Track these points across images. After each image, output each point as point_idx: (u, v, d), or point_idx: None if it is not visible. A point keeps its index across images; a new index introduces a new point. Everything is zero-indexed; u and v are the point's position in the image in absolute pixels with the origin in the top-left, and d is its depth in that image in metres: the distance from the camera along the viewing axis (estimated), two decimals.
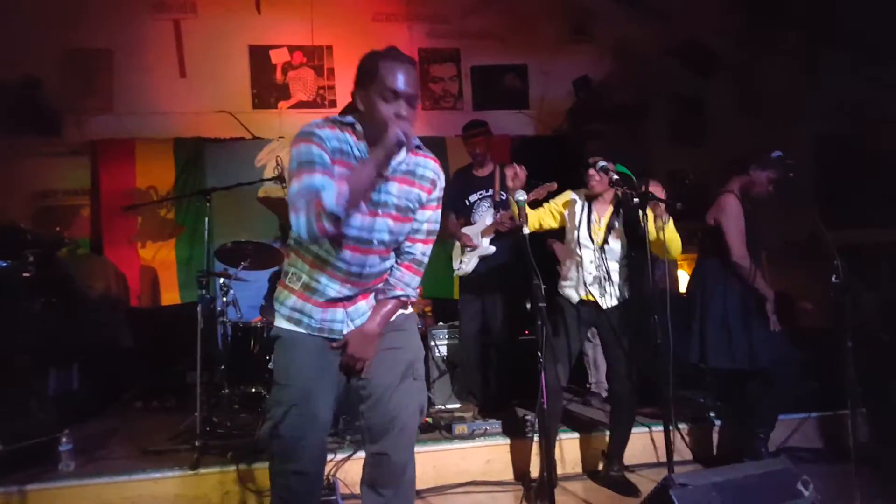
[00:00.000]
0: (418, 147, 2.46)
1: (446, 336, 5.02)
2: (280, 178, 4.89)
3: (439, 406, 4.80)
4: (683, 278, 6.75)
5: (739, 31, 6.73)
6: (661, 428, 3.38)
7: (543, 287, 2.78)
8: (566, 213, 3.77)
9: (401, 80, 2.25)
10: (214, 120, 6.39)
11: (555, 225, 3.81)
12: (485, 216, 4.69)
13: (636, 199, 3.28)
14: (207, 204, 4.31)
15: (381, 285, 2.50)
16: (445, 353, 4.97)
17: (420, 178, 2.45)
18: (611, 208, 3.68)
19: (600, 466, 3.97)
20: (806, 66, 6.87)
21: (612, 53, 7.10)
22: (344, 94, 6.85)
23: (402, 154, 2.40)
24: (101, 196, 6.36)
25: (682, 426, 4.20)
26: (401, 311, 2.56)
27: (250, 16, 6.74)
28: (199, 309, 4.12)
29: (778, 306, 3.82)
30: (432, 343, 4.96)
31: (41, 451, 3.74)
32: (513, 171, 3.36)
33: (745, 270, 3.80)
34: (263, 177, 5.74)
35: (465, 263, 4.69)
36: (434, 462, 3.83)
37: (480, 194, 4.76)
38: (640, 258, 4.80)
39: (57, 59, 6.42)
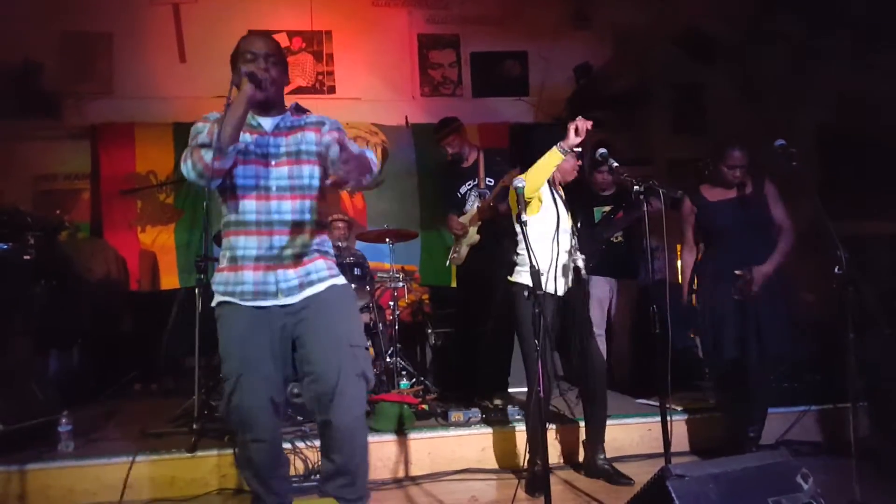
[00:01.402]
0: (301, 110, 2.77)
1: (444, 325, 5.03)
2: None
3: (435, 394, 4.81)
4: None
5: (740, 17, 6.69)
6: (658, 418, 3.37)
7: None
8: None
9: (253, 44, 2.61)
10: (213, 105, 6.22)
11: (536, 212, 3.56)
12: (473, 205, 4.70)
13: (637, 187, 3.26)
14: (206, 189, 4.30)
15: (305, 245, 2.62)
16: (442, 341, 4.98)
17: (306, 124, 2.69)
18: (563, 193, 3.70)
19: (580, 457, 3.93)
20: (807, 53, 6.83)
21: (613, 40, 7.06)
22: (343, 79, 6.84)
23: (289, 115, 2.71)
24: (100, 180, 6.38)
25: (682, 417, 4.19)
26: (333, 282, 2.66)
27: (250, 0, 6.70)
28: (197, 293, 4.13)
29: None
30: (429, 331, 4.98)
31: (41, 431, 3.77)
32: (574, 125, 3.27)
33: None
34: None
35: (458, 252, 4.72)
36: (429, 449, 3.84)
37: (469, 184, 4.78)
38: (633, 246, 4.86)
39: (57, 43, 6.42)
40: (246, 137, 2.58)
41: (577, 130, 3.27)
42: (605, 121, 6.91)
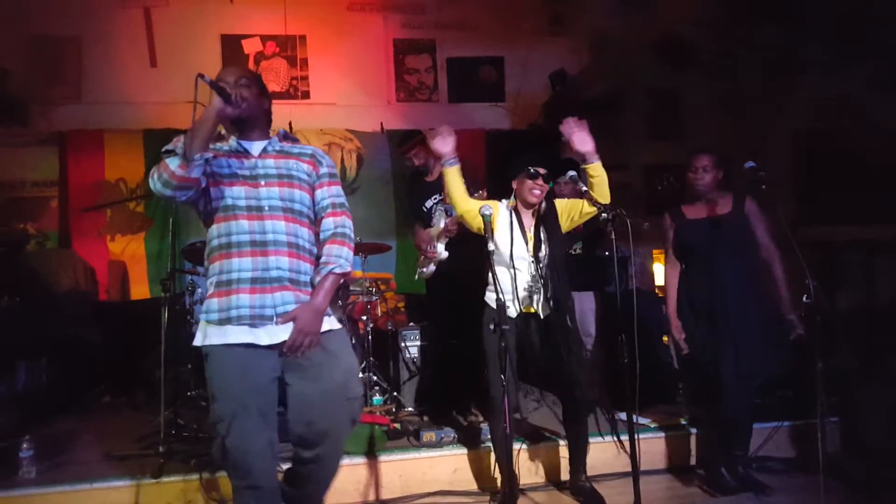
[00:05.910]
0: (288, 137, 2.79)
1: (418, 337, 4.95)
2: None
3: (409, 409, 4.75)
4: (659, 272, 6.76)
5: (718, 24, 6.67)
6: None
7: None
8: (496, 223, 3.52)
9: (224, 73, 2.60)
10: (185, 111, 6.17)
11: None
12: (440, 220, 4.63)
13: (604, 214, 3.21)
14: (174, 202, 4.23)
15: (301, 272, 2.58)
16: (417, 355, 4.91)
17: (298, 154, 2.69)
18: (534, 215, 3.57)
19: (563, 476, 3.91)
20: (783, 60, 6.84)
21: (589, 46, 7.02)
22: (317, 84, 6.77)
23: (276, 142, 2.70)
24: (69, 188, 6.25)
25: (657, 434, 4.17)
26: (329, 325, 2.61)
27: (222, 4, 6.61)
28: (163, 309, 4.07)
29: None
30: (403, 344, 4.91)
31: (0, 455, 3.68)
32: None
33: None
34: None
35: (426, 267, 4.67)
36: (400, 471, 3.78)
37: (434, 199, 4.69)
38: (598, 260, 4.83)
39: (24, 47, 6.29)
40: (233, 162, 2.58)
41: (439, 140, 3.34)
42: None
